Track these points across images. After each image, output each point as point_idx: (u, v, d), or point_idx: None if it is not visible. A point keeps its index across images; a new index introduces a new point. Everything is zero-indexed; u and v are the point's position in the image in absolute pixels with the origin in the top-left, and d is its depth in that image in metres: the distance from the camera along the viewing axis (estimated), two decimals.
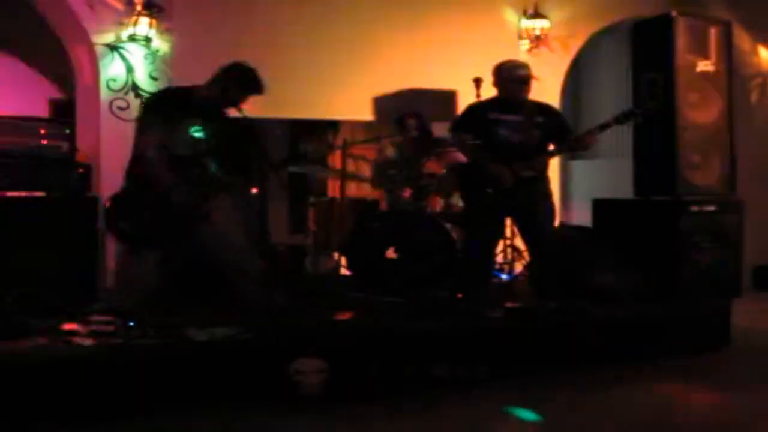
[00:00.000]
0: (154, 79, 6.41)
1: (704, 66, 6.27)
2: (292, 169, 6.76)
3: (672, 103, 6.09)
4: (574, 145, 5.49)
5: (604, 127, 5.33)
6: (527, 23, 7.78)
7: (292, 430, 4.04)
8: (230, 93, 4.85)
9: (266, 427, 4.03)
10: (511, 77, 5.39)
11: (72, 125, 5.91)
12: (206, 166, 4.83)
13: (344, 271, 6.46)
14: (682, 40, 6.15)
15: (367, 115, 7.46)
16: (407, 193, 6.42)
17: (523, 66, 5.45)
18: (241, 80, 4.87)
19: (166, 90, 5.39)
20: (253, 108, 4.97)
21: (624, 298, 5.65)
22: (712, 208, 6.15)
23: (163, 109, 4.81)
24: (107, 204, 4.79)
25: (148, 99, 4.81)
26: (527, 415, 4.34)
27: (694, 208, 6.06)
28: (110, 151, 6.31)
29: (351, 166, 7.20)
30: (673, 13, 6.17)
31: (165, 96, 5.12)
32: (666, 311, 5.65)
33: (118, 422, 3.97)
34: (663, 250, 5.98)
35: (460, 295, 5.65)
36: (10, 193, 5.41)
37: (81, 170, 5.68)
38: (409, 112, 6.87)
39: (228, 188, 4.88)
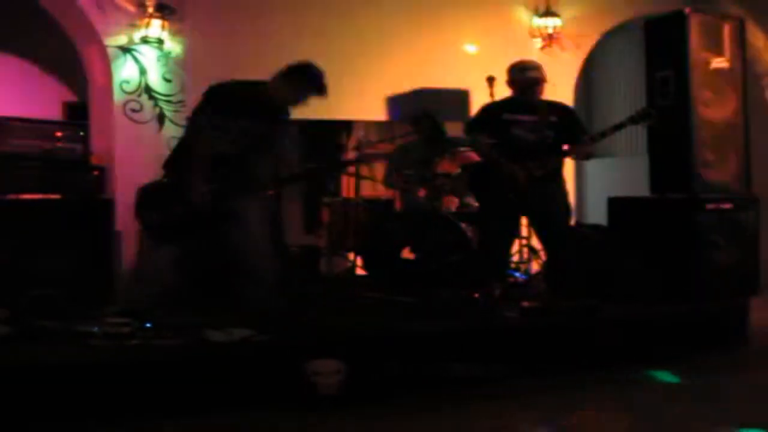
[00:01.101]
0: (167, 80, 6.44)
1: (718, 63, 6.22)
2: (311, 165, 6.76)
3: (686, 100, 6.04)
4: (570, 153, 5.46)
5: (618, 127, 5.31)
6: (539, 22, 7.79)
7: (310, 430, 4.03)
8: (298, 92, 4.71)
9: (283, 428, 4.03)
10: (522, 79, 5.37)
11: (86, 128, 5.94)
12: (247, 166, 4.72)
13: (359, 271, 6.45)
14: (695, 37, 6.10)
15: (380, 115, 7.46)
16: (422, 192, 6.40)
17: (534, 68, 5.42)
18: (312, 80, 4.71)
19: (225, 84, 4.89)
20: None
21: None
22: (728, 206, 6.10)
23: (220, 103, 4.65)
24: (139, 192, 4.72)
25: (207, 91, 4.63)
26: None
27: (710, 206, 6.01)
28: (124, 152, 6.36)
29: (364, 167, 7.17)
30: (686, 10, 6.12)
31: (223, 90, 4.82)
32: (682, 310, 5.62)
33: (135, 422, 3.97)
34: (679, 248, 5.93)
35: (475, 295, 5.63)
36: (24, 196, 5.43)
37: (95, 172, 5.72)
38: (423, 112, 6.85)
39: (263, 189, 4.81)
